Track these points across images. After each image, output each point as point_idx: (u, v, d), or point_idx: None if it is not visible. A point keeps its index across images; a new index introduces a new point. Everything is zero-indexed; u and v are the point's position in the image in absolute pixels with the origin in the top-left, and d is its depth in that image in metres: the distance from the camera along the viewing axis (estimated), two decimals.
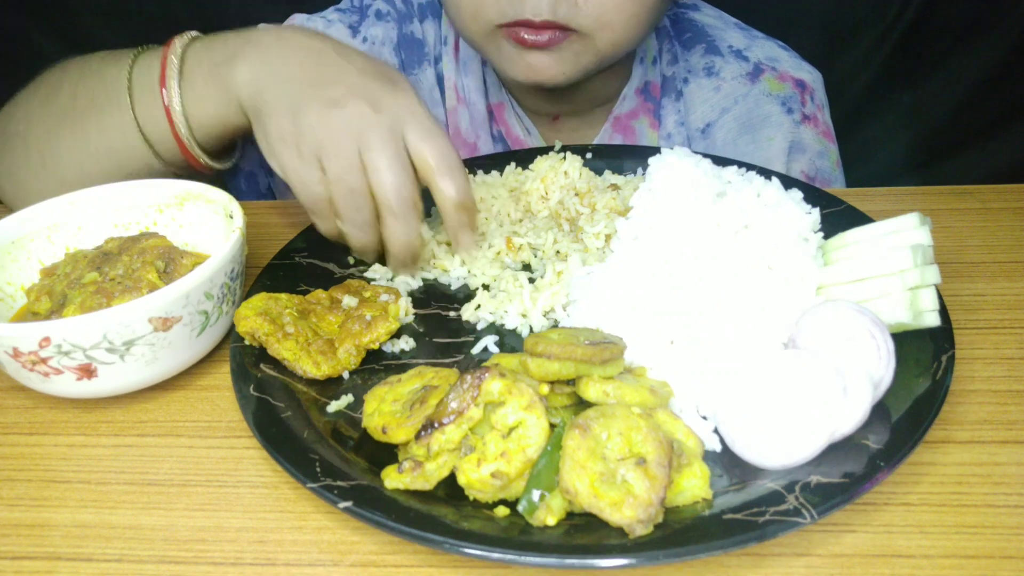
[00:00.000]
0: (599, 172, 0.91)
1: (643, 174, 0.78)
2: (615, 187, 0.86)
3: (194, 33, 0.80)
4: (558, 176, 0.88)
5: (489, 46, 0.95)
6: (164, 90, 0.77)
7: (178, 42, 0.79)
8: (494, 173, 0.93)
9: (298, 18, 1.09)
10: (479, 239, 0.78)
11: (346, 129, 0.67)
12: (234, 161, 0.88)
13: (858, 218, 0.78)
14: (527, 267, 0.80)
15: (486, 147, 1.11)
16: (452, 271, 0.79)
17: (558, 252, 0.80)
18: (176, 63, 0.77)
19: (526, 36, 0.89)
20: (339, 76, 0.70)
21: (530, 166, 0.91)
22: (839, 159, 1.13)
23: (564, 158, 0.90)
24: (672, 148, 0.76)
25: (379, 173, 0.67)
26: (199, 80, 0.77)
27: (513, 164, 0.94)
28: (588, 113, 1.11)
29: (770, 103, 1.09)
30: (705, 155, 0.77)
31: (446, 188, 0.69)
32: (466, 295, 0.77)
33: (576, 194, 0.86)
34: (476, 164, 0.95)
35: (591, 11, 0.88)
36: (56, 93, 0.83)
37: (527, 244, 0.81)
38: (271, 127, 0.70)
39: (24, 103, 0.87)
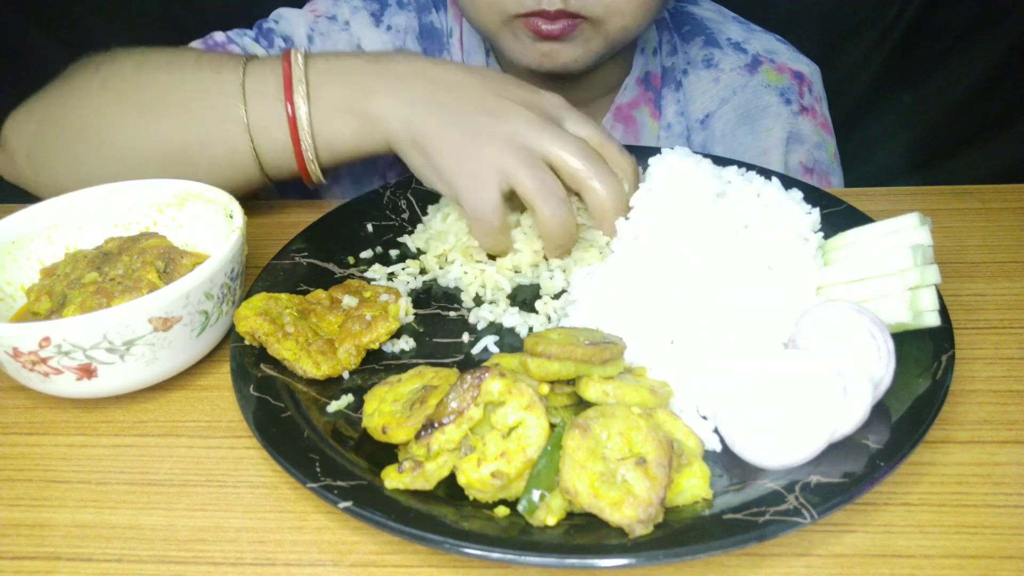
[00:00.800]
0: None
1: (643, 174, 0.78)
2: None
3: (302, 51, 0.81)
4: None
5: (504, 34, 0.96)
6: (292, 109, 0.78)
7: (299, 61, 0.79)
8: None
9: (321, 4, 1.09)
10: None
11: (518, 144, 0.72)
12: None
13: (858, 218, 0.78)
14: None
15: None
16: (450, 272, 0.79)
17: None
18: (303, 88, 0.78)
19: (543, 26, 0.91)
20: (487, 96, 0.75)
21: None
22: (837, 152, 1.14)
23: None
24: (672, 145, 0.76)
25: (560, 155, 0.72)
26: (332, 110, 0.78)
27: None
28: (590, 103, 1.12)
29: (768, 94, 1.09)
30: (705, 155, 0.77)
31: (620, 165, 0.76)
32: (466, 295, 0.77)
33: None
34: None
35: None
36: (136, 91, 0.82)
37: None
38: (444, 163, 0.74)
39: (88, 94, 0.83)
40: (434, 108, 0.75)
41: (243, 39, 1.02)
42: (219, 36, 1.01)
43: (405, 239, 0.85)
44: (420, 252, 0.83)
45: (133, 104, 0.82)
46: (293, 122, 0.79)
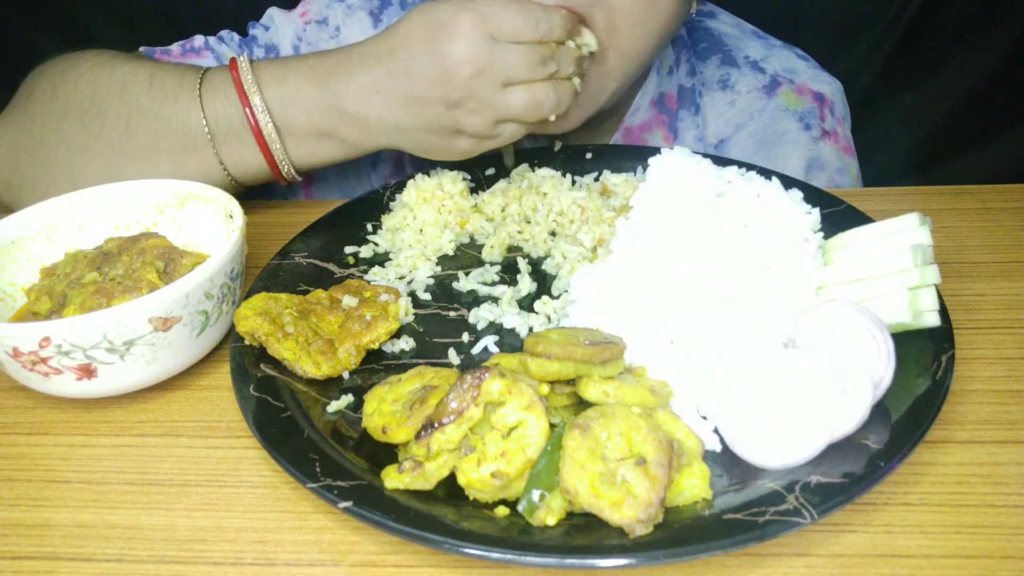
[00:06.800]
0: (598, 172, 0.91)
1: (643, 174, 0.78)
2: (606, 191, 0.86)
3: (245, 57, 0.82)
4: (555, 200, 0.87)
5: None
6: (253, 118, 0.80)
7: (245, 65, 0.81)
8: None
9: (314, 5, 1.07)
10: None
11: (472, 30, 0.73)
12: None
13: (858, 218, 0.78)
14: (532, 264, 0.80)
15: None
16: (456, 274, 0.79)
17: (564, 256, 0.80)
18: (259, 97, 0.80)
19: None
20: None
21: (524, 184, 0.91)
22: (859, 173, 1.10)
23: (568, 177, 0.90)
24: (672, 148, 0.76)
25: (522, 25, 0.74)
26: (292, 102, 0.81)
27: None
28: (597, 125, 1.05)
29: (787, 119, 1.05)
30: (705, 155, 0.77)
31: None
32: (467, 296, 0.77)
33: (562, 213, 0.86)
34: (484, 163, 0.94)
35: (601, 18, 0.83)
36: (98, 122, 0.82)
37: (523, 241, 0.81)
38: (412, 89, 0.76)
39: (52, 125, 0.84)
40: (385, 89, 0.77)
41: (220, 47, 1.00)
42: (198, 41, 1.00)
43: (378, 239, 0.85)
44: (388, 257, 0.83)
45: (103, 140, 0.82)
46: (258, 132, 0.81)
